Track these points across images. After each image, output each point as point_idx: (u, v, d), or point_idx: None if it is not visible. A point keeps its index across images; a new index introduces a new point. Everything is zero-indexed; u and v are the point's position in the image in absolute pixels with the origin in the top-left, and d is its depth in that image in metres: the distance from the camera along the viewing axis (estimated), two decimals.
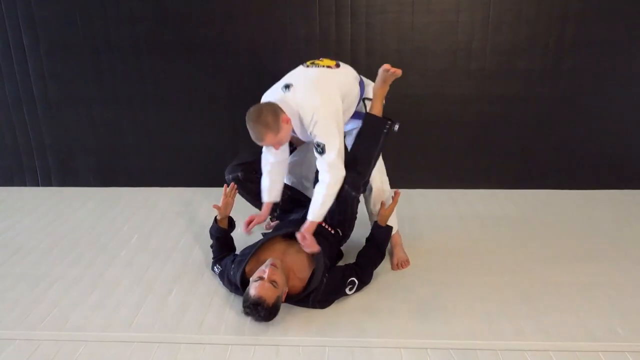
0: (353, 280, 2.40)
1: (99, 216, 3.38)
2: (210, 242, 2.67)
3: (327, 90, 2.39)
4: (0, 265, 2.79)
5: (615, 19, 3.27)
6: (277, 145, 2.39)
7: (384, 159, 3.49)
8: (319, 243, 2.36)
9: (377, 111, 2.60)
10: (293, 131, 2.45)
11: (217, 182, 3.76)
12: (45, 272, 2.71)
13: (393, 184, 3.66)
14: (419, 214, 3.33)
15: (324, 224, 2.64)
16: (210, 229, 2.65)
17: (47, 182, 3.86)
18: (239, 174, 2.71)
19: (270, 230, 2.91)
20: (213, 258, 2.64)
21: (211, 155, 3.74)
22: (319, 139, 2.32)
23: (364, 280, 2.47)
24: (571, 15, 3.26)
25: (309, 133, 2.36)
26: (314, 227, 2.39)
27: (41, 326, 2.27)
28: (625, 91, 3.43)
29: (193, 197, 3.63)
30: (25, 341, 2.17)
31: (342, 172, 2.40)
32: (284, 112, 2.32)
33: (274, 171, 2.61)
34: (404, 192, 3.62)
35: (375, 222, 2.64)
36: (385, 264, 2.70)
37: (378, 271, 2.59)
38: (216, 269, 2.58)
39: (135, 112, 3.65)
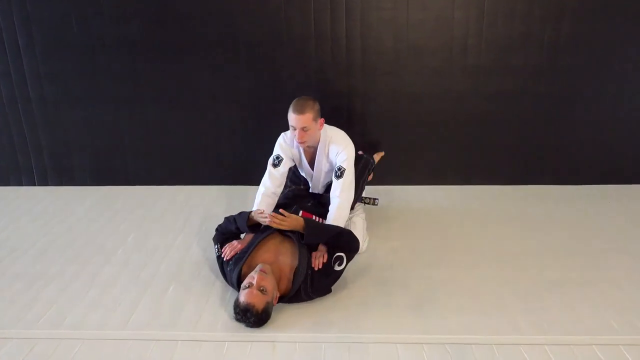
0: (340, 256, 2.41)
1: (95, 215, 3.38)
2: (214, 228, 2.68)
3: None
4: None
5: (610, 15, 3.27)
6: (302, 134, 2.59)
7: (382, 158, 3.52)
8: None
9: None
10: (298, 166, 2.96)
11: (214, 180, 3.79)
12: (42, 271, 2.71)
13: (390, 181, 3.69)
14: (415, 210, 3.34)
15: (314, 217, 2.71)
16: (239, 219, 2.54)
17: (44, 182, 3.86)
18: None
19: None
20: (216, 234, 2.64)
21: (208, 153, 3.74)
22: (342, 163, 2.69)
23: (350, 248, 2.46)
24: (566, 11, 3.27)
25: (333, 158, 2.73)
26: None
27: (38, 325, 2.27)
28: (620, 87, 3.44)
29: (190, 196, 3.63)
30: (22, 340, 2.18)
31: (352, 196, 2.71)
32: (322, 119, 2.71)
33: (267, 198, 2.76)
34: (399, 189, 3.65)
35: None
36: (380, 261, 2.72)
37: (372, 267, 2.60)
38: (216, 249, 2.57)
39: (131, 111, 3.65)
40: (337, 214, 2.63)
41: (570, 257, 2.74)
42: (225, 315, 2.30)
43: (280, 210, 2.46)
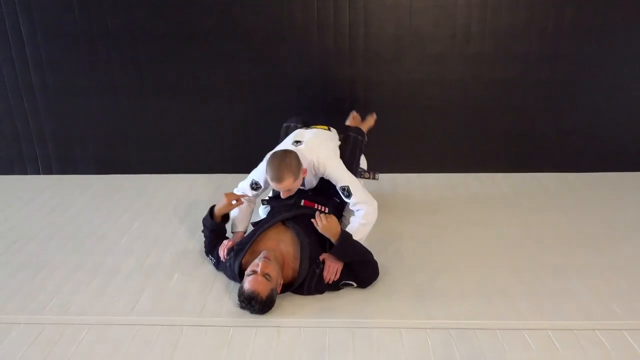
0: (350, 283, 2.36)
1: (99, 204, 3.39)
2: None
3: (331, 147, 2.72)
4: (2, 253, 2.81)
5: (612, 2, 3.25)
6: (286, 193, 2.46)
7: (382, 142, 3.52)
8: (310, 230, 2.40)
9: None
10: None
11: (217, 169, 3.79)
12: (47, 260, 2.73)
13: (392, 169, 3.70)
14: (417, 198, 3.34)
15: (317, 205, 2.64)
16: (204, 220, 2.61)
17: (48, 171, 3.87)
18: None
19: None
20: (205, 248, 2.64)
21: (210, 142, 3.74)
22: (341, 183, 2.54)
23: (365, 282, 2.39)
24: None
25: (325, 177, 2.60)
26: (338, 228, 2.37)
27: (44, 311, 2.30)
28: (622, 74, 3.43)
29: (193, 184, 3.64)
30: (30, 325, 2.20)
31: (373, 203, 2.54)
32: (303, 165, 2.48)
33: (245, 207, 2.66)
34: (402, 177, 3.66)
35: (332, 246, 2.39)
36: (383, 247, 2.72)
37: (375, 254, 2.55)
38: (210, 259, 2.59)
39: (134, 100, 3.65)
40: (361, 230, 2.48)
41: (573, 243, 2.75)
42: (230, 301, 2.32)
43: (325, 211, 2.37)
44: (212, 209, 2.60)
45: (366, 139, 3.02)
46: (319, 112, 3.47)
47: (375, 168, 3.08)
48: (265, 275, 2.17)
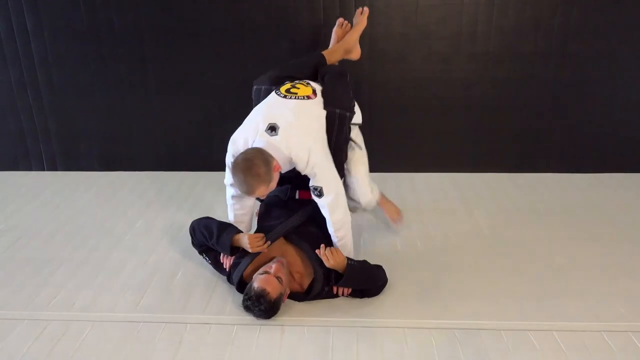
0: (356, 295, 2.33)
1: (103, 201, 3.39)
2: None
3: (314, 129, 2.33)
4: (7, 249, 2.82)
5: (618, 1, 3.23)
6: (264, 196, 2.30)
7: (387, 141, 3.49)
8: (314, 240, 2.33)
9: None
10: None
11: (221, 166, 3.77)
12: (51, 256, 2.73)
13: (396, 168, 3.69)
14: (422, 197, 3.33)
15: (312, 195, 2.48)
16: (221, 243, 2.34)
17: (53, 167, 3.87)
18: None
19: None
20: (199, 247, 2.53)
21: (215, 139, 3.73)
22: (315, 182, 2.25)
23: (367, 295, 2.33)
24: None
25: (303, 174, 2.28)
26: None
27: (49, 307, 2.30)
28: (630, 74, 3.41)
29: (197, 181, 3.64)
30: (34, 321, 2.20)
31: (345, 214, 2.34)
32: (275, 159, 2.17)
33: (241, 224, 2.51)
34: (407, 176, 3.64)
35: (337, 279, 2.26)
36: (388, 247, 2.71)
37: (380, 253, 2.59)
38: (205, 258, 2.52)
39: (139, 96, 3.65)
40: (344, 247, 2.36)
41: (579, 244, 2.74)
42: (234, 299, 2.31)
43: (332, 249, 2.22)
44: (228, 233, 2.34)
45: (354, 113, 2.55)
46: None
47: (381, 181, 2.91)
48: (278, 277, 2.15)
